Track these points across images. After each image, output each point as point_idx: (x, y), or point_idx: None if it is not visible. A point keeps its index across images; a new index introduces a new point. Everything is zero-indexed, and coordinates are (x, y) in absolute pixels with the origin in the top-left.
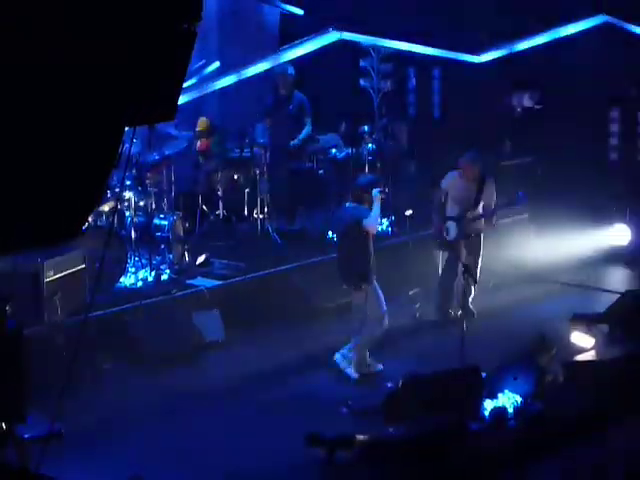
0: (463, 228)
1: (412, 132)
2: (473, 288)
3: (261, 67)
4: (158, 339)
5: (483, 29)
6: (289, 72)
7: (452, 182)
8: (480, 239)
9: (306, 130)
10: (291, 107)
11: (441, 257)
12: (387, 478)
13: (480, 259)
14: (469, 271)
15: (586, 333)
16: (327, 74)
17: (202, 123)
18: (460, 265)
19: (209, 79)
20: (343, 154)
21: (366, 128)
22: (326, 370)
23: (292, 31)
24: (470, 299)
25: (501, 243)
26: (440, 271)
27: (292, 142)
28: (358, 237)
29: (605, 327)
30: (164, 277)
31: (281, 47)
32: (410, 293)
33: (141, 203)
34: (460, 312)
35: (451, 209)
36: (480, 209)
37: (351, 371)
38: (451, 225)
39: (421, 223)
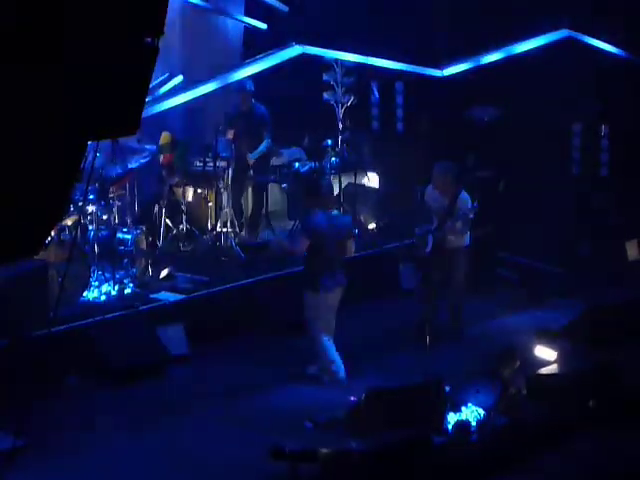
0: (438, 242)
1: (375, 146)
2: (460, 307)
3: (224, 81)
4: (123, 353)
5: (446, 43)
6: (247, 87)
7: (429, 194)
8: (459, 254)
9: (265, 143)
10: (252, 120)
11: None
12: None
13: (462, 277)
14: (443, 285)
15: (549, 346)
16: (290, 88)
17: (165, 137)
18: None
19: (172, 93)
20: (306, 167)
21: (329, 142)
22: (291, 384)
23: (256, 45)
24: (459, 317)
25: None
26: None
27: (250, 155)
28: (346, 241)
29: (568, 340)
30: (127, 291)
31: (244, 61)
32: None
33: (104, 217)
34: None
35: (434, 222)
36: (456, 221)
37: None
38: (430, 238)
39: (385, 236)
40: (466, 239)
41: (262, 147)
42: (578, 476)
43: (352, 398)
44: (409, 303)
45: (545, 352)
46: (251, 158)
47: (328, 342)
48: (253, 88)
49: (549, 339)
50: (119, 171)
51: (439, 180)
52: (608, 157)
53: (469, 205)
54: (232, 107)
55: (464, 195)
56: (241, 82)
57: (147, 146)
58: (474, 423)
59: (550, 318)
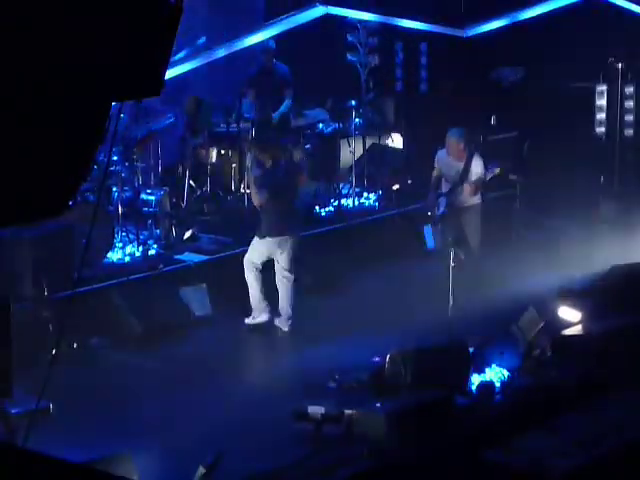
0: (451, 203)
1: (399, 107)
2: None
3: (247, 42)
4: (145, 314)
5: (470, 3)
6: (269, 45)
7: (441, 159)
8: (472, 213)
9: (286, 103)
10: (273, 79)
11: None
12: (375, 453)
13: (477, 234)
14: (458, 245)
15: (573, 307)
16: (314, 49)
17: (189, 99)
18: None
19: (195, 54)
20: (330, 129)
21: (353, 103)
22: (314, 344)
23: (279, 5)
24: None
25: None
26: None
27: (273, 115)
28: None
29: (592, 301)
30: (151, 252)
31: (267, 22)
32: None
33: (128, 178)
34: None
35: (444, 185)
36: (468, 184)
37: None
38: (442, 200)
39: (408, 197)
40: (478, 197)
41: (283, 107)
42: (603, 436)
43: (376, 359)
44: (433, 263)
45: (569, 313)
46: (275, 117)
47: None
48: (274, 46)
49: (573, 299)
50: (143, 132)
51: (453, 146)
52: (633, 118)
53: (481, 169)
54: (254, 67)
55: (478, 159)
56: (262, 42)
57: (170, 107)
58: (498, 384)
59: (574, 278)
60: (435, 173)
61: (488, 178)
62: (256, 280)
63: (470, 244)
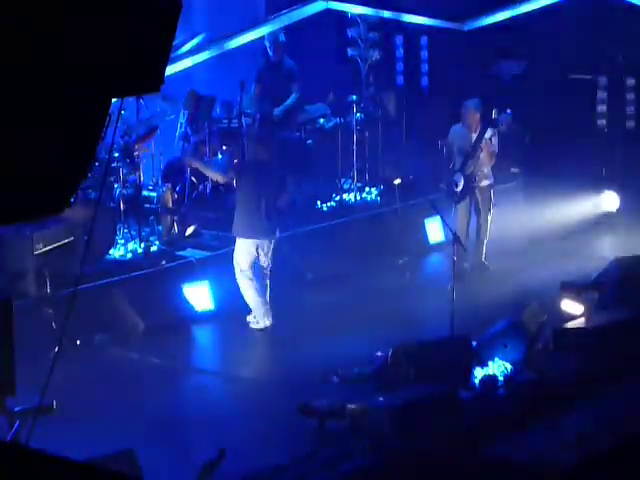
0: (467, 178)
1: (400, 101)
2: (484, 243)
3: (248, 37)
4: (148, 311)
5: None
6: (280, 39)
7: (455, 134)
8: (489, 192)
9: (292, 98)
10: (281, 73)
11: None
12: (378, 447)
13: (490, 215)
14: (478, 227)
15: (576, 300)
16: (315, 44)
17: (189, 95)
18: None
19: (196, 50)
20: (331, 124)
21: (354, 97)
22: (318, 340)
23: (279, 1)
24: (483, 254)
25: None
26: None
27: (276, 110)
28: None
29: (595, 294)
30: (153, 249)
31: (268, 16)
32: (400, 262)
33: (129, 175)
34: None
35: (457, 162)
36: (481, 158)
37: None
38: (458, 177)
39: (409, 192)
40: (491, 177)
41: (288, 101)
42: (606, 430)
43: (379, 353)
44: (434, 257)
45: (572, 306)
46: (277, 113)
47: None
48: (285, 39)
49: (576, 293)
50: (144, 129)
51: (471, 116)
52: (634, 110)
53: (495, 139)
54: (261, 60)
55: (491, 129)
56: (274, 33)
57: (171, 104)
58: (501, 378)
59: (577, 271)
60: (446, 150)
61: (501, 127)
62: (249, 288)
63: (480, 222)
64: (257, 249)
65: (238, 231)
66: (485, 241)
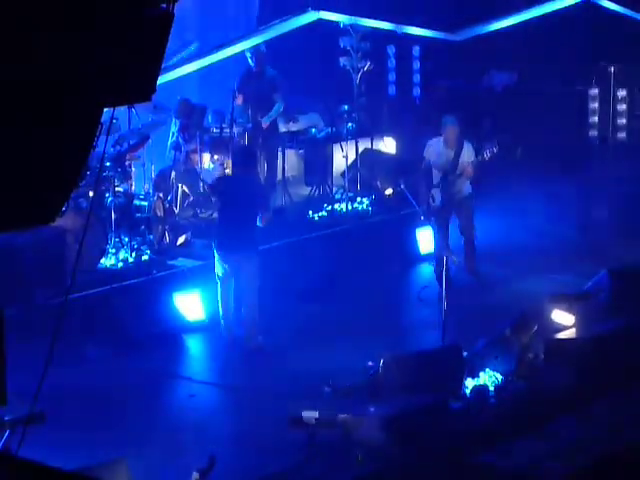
0: (446, 192)
1: (392, 111)
2: (472, 249)
3: (240, 47)
4: (140, 320)
5: (462, 8)
6: (260, 48)
7: (432, 149)
8: (468, 200)
9: (276, 107)
10: (262, 84)
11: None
12: (369, 457)
13: (471, 223)
14: (464, 233)
15: (567, 311)
16: (306, 54)
17: (181, 104)
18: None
19: (188, 60)
20: (323, 133)
21: (346, 107)
22: (309, 350)
23: (271, 11)
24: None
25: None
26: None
27: (262, 120)
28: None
29: (586, 305)
30: (145, 258)
31: (260, 27)
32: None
33: (121, 184)
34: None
35: (435, 176)
36: (466, 167)
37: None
38: (436, 192)
39: (401, 202)
40: (469, 187)
41: (273, 111)
42: (595, 440)
43: (370, 363)
44: (425, 268)
45: (563, 317)
46: (265, 122)
47: None
48: (265, 49)
49: (567, 303)
50: (135, 138)
51: (450, 132)
52: (626, 121)
53: (473, 153)
54: (243, 71)
55: (468, 144)
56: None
57: (163, 113)
58: (492, 388)
59: (568, 282)
60: (424, 165)
61: (488, 158)
62: (219, 295)
63: (465, 231)
64: (228, 263)
65: (214, 242)
66: (475, 242)
